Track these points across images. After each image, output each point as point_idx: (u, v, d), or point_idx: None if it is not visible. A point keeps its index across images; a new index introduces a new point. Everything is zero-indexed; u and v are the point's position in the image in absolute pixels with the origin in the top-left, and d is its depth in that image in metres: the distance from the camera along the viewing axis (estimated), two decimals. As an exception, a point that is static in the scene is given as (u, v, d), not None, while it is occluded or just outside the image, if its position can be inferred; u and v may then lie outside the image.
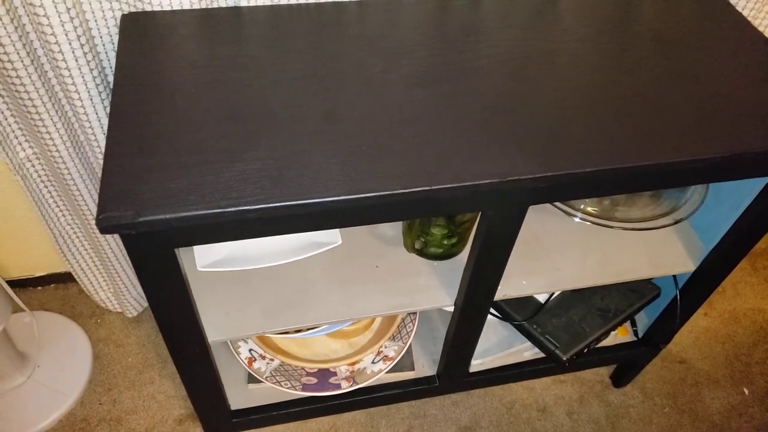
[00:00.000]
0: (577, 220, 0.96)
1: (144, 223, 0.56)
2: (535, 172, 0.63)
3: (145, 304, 1.34)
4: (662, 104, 0.72)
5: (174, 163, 0.61)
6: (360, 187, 0.60)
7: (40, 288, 1.41)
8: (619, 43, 0.81)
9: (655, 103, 0.72)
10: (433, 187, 0.61)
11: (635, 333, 1.14)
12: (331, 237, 0.85)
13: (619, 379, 1.28)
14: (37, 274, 1.39)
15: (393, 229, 0.95)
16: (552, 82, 0.74)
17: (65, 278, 1.40)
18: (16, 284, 1.36)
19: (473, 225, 0.89)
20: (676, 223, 0.87)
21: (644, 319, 1.14)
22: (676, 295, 1.00)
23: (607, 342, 1.13)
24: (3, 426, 1.16)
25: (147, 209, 0.56)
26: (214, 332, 0.82)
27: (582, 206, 0.94)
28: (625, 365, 1.25)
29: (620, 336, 1.15)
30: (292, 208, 0.59)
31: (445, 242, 0.88)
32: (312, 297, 0.86)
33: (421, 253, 0.90)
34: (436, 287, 0.88)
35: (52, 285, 1.42)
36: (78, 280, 1.27)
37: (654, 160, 0.65)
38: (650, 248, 0.95)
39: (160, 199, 0.57)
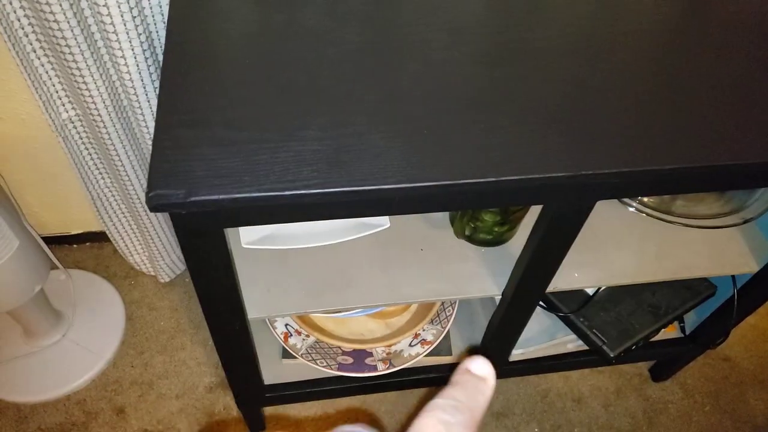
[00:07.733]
0: (631, 210, 0.91)
1: (195, 203, 0.53)
2: (610, 167, 0.58)
3: (179, 270, 1.33)
4: (753, 96, 0.66)
5: (227, 139, 0.57)
6: (422, 175, 0.56)
7: (75, 246, 1.41)
8: (704, 27, 0.75)
9: (743, 95, 0.66)
10: (500, 179, 0.57)
11: (682, 329, 1.10)
12: (380, 219, 0.82)
13: (658, 373, 1.25)
14: (73, 232, 1.38)
15: (441, 213, 0.91)
16: (627, 67, 0.68)
17: (100, 237, 1.39)
18: (52, 241, 1.36)
19: (526, 212, 0.85)
20: (744, 222, 0.82)
21: (692, 316, 1.10)
22: (732, 296, 0.95)
23: (652, 337, 1.09)
24: (39, 383, 1.18)
25: (199, 189, 0.53)
26: (254, 309, 0.80)
27: (639, 196, 0.89)
28: (667, 360, 1.21)
29: (666, 331, 1.10)
30: (349, 194, 0.55)
31: (496, 229, 0.84)
32: (355, 279, 0.83)
33: (470, 238, 0.87)
34: (484, 275, 0.85)
35: (87, 243, 1.42)
36: (113, 242, 1.26)
37: (743, 160, 0.59)
38: (710, 245, 0.90)
39: (213, 179, 0.54)
